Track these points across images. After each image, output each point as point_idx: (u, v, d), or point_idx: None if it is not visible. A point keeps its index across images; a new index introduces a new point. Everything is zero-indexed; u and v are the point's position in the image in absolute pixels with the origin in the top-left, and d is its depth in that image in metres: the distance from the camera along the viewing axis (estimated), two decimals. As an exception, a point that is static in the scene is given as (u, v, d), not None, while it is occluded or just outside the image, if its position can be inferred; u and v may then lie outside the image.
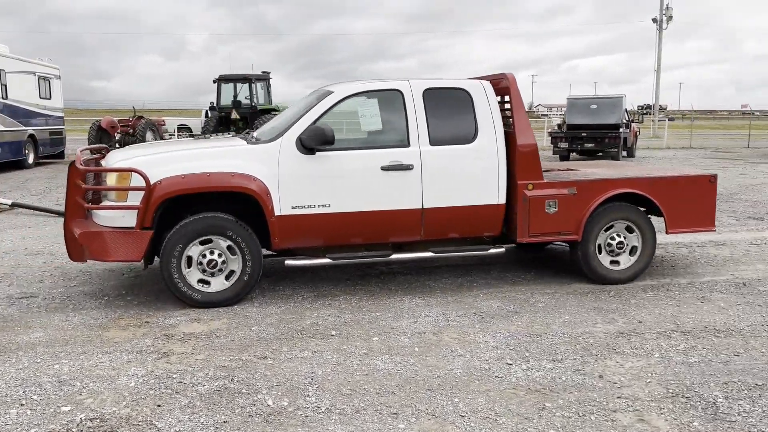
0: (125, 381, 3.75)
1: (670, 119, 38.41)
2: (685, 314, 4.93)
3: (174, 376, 3.82)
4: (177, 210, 5.08)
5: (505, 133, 5.51)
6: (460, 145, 5.38)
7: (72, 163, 5.12)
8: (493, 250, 5.59)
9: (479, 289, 5.62)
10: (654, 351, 4.19)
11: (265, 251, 5.30)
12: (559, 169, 6.53)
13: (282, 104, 21.84)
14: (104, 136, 19.95)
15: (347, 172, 5.15)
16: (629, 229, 5.73)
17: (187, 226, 4.92)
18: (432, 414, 3.33)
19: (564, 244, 6.25)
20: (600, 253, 5.70)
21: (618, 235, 5.72)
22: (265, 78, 20.95)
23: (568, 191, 5.51)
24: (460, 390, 3.61)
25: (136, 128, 20.09)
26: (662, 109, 51.64)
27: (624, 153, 19.57)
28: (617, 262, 5.75)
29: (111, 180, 5.00)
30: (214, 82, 20.50)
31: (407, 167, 5.21)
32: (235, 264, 5.04)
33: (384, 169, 5.18)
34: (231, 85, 20.38)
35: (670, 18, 37.55)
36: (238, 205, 5.10)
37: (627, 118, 20.34)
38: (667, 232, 5.84)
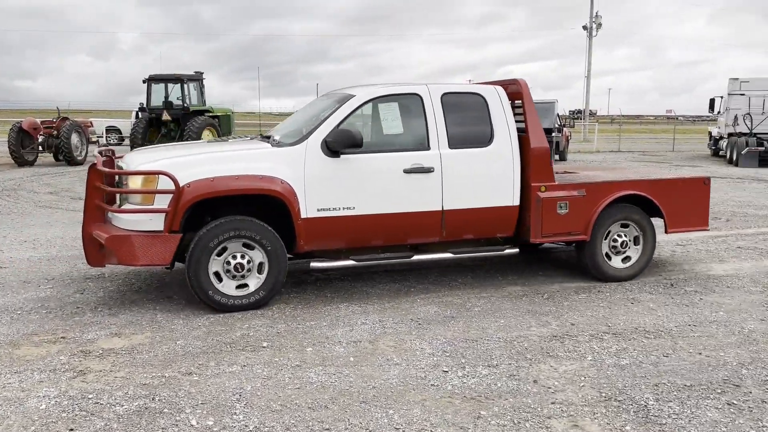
0: (35, 403, 3.46)
1: (592, 114, 39.59)
2: (616, 316, 5.01)
3: (90, 396, 3.55)
4: (198, 212, 4.98)
5: (518, 136, 5.63)
6: (477, 148, 5.49)
7: (92, 166, 5.02)
8: (508, 251, 5.75)
9: (416, 294, 5.55)
10: (587, 354, 4.22)
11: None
12: (556, 172, 6.59)
13: (217, 106, 21.32)
14: (26, 138, 18.84)
15: (371, 175, 5.20)
16: (632, 229, 5.99)
17: (216, 228, 4.84)
18: (366, 428, 3.22)
19: (560, 243, 6.46)
20: (605, 252, 5.92)
21: (622, 235, 5.95)
22: (197, 78, 20.34)
23: (578, 193, 5.71)
24: (396, 401, 3.51)
25: (60, 130, 19.06)
26: (592, 114, 53.45)
27: (556, 156, 20.07)
28: (621, 261, 5.99)
29: (135, 182, 4.89)
30: (144, 82, 19.76)
31: (428, 170, 5.30)
32: (263, 268, 5.01)
33: (406, 171, 5.25)
34: (162, 85, 19.68)
35: (599, 26, 38.88)
36: (261, 208, 5.06)
37: (559, 123, 20.89)
38: (666, 232, 6.11)
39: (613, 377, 3.84)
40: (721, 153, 22.42)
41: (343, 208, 5.11)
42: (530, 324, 4.80)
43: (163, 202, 4.76)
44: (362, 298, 5.42)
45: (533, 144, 5.59)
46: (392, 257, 5.48)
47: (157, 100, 19.61)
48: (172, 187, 4.70)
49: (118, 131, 31.76)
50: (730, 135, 20.90)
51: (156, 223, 4.76)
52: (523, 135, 5.64)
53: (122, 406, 3.43)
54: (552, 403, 3.50)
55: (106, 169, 5.05)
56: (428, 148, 5.34)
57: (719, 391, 3.64)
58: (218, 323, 4.76)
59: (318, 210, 5.06)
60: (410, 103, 5.45)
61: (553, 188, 5.64)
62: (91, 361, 4.06)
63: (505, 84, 5.86)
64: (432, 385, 3.72)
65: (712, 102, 23.13)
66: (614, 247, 5.96)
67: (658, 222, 6.07)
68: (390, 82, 6.04)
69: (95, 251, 5.04)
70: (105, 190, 5.06)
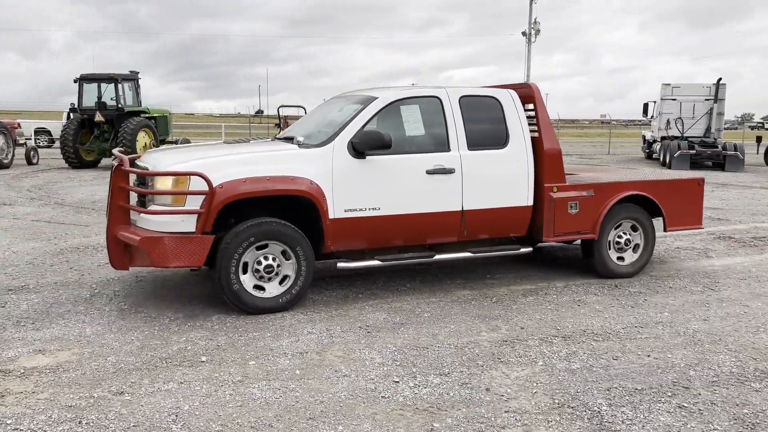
0: (-57, 433, 3.11)
1: None
2: (564, 318, 4.99)
3: (8, 421, 3.22)
4: (222, 214, 4.89)
5: (531, 138, 5.79)
6: (494, 149, 5.63)
7: (117, 166, 4.89)
8: (523, 250, 5.89)
9: (364, 300, 5.39)
10: (538, 359, 4.16)
11: None
12: None
13: (154, 107, 20.59)
14: (-55, 140, 17.66)
15: (395, 176, 5.27)
16: (634, 228, 6.23)
17: (248, 230, 4.81)
18: (314, 446, 3.03)
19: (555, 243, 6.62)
20: (610, 250, 6.14)
21: (625, 233, 6.19)
22: (133, 78, 19.52)
23: (587, 193, 5.90)
24: (345, 416, 3.34)
25: (-17, 131, 17.95)
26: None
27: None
28: (623, 258, 6.24)
29: (165, 183, 4.80)
30: (75, 81, 18.83)
31: (449, 171, 5.41)
32: (290, 269, 5.00)
33: (429, 172, 5.35)
34: (94, 85, 18.77)
35: (538, 32, 39.70)
36: (286, 209, 5.09)
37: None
38: (665, 230, 6.40)
39: (565, 382, 3.79)
40: (654, 156, 23.24)
41: (369, 209, 5.18)
42: (480, 329, 4.72)
43: (194, 203, 4.69)
44: (308, 306, 5.21)
45: (546, 146, 5.77)
46: (415, 257, 5.53)
47: (90, 101, 18.71)
48: (205, 188, 4.63)
49: (48, 133, 30.29)
50: (663, 138, 21.68)
51: (188, 224, 4.70)
52: (534, 137, 5.81)
53: (44, 431, 3.13)
54: (506, 411, 3.41)
55: (135, 170, 4.96)
56: (448, 149, 5.45)
57: (669, 394, 3.63)
58: (153, 337, 4.46)
59: (345, 211, 5.09)
60: (430, 106, 5.54)
61: (564, 189, 5.82)
62: (11, 381, 3.71)
63: (516, 87, 5.99)
64: (383, 396, 3.57)
65: (645, 106, 23.96)
66: (618, 245, 6.17)
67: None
68: (371, 86, 6.07)
69: (120, 253, 4.93)
70: (136, 191, 4.97)
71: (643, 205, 6.22)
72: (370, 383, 3.74)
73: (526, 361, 4.11)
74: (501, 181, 5.63)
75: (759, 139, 28.71)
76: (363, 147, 5.07)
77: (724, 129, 22.63)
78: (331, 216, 5.03)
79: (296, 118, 25.37)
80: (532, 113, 5.87)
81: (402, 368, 3.96)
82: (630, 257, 6.25)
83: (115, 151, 5.42)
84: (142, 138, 18.30)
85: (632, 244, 6.25)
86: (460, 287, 5.84)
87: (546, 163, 5.75)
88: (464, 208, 5.49)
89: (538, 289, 5.80)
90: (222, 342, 4.38)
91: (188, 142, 21.55)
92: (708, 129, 21.16)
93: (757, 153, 26.00)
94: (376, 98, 5.40)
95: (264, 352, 4.21)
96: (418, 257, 5.53)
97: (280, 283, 5.00)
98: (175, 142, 20.98)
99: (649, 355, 4.22)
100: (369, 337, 4.50)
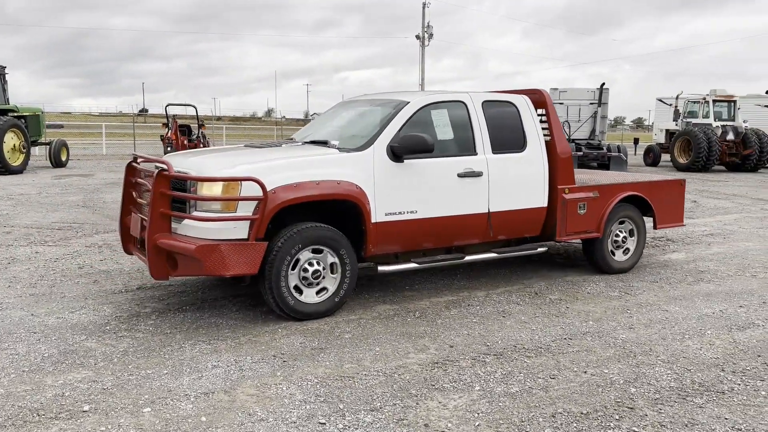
0: None
1: None
2: (491, 333, 4.71)
3: None
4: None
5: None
6: (514, 153, 5.79)
7: (160, 172, 4.56)
8: (540, 249, 6.11)
9: (276, 322, 4.83)
10: (473, 383, 3.82)
11: None
12: None
13: (24, 105, 18.62)
14: None
15: (430, 179, 5.33)
16: (629, 226, 6.59)
17: (296, 235, 4.71)
18: None
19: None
20: (610, 247, 6.45)
21: (621, 231, 6.54)
22: (-2, 73, 17.54)
23: (593, 194, 6.18)
24: (266, 473, 2.80)
25: None
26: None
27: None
28: (620, 255, 6.57)
29: (212, 189, 4.57)
30: (-71, 75, 16.61)
31: (478, 174, 5.53)
32: (330, 283, 4.94)
33: (460, 176, 5.45)
34: (-48, 79, 16.67)
35: (431, 36, 40.48)
36: (326, 214, 5.05)
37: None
38: (655, 228, 6.84)
39: (506, 410, 3.46)
40: (544, 157, 24.09)
41: (407, 212, 5.20)
42: (408, 350, 4.32)
43: (246, 209, 4.53)
44: (211, 332, 4.59)
45: (559, 150, 6.01)
46: (448, 259, 5.60)
47: (-54, 97, 16.58)
48: (258, 193, 4.50)
49: None
50: (552, 141, 22.53)
51: (240, 231, 4.54)
52: (547, 141, 5.99)
53: None
54: (450, 452, 3.02)
55: (184, 175, 4.62)
56: (475, 153, 5.58)
57: (617, 417, 3.40)
58: (21, 381, 3.68)
59: (386, 214, 5.10)
60: (456, 110, 5.62)
61: (574, 190, 6.07)
62: None
63: (528, 93, 6.14)
64: (308, 444, 3.06)
65: (535, 110, 24.83)
66: (616, 242, 6.50)
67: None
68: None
69: (161, 262, 4.60)
70: (186, 197, 4.61)
71: (636, 205, 6.58)
72: (293, 427, 3.22)
73: (462, 387, 3.75)
74: (521, 183, 5.82)
75: (636, 141, 30.77)
76: (404, 151, 5.08)
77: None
78: (373, 220, 5.02)
79: (187, 117, 23.95)
80: (544, 118, 6.07)
81: (327, 405, 3.47)
82: (626, 253, 6.59)
83: (138, 153, 4.96)
84: (11, 139, 16.48)
85: (628, 241, 6.58)
86: (379, 301, 5.43)
87: (559, 165, 5.97)
88: (490, 210, 5.62)
89: (460, 300, 5.51)
90: (108, 384, 3.67)
91: (64, 143, 19.71)
92: (593, 131, 22.21)
93: (635, 154, 27.83)
94: (408, 102, 5.43)
95: (161, 394, 3.56)
96: (450, 259, 5.61)
97: (317, 293, 4.90)
98: (49, 144, 19.13)
99: (585, 372, 4.00)
100: (285, 368, 3.96)
